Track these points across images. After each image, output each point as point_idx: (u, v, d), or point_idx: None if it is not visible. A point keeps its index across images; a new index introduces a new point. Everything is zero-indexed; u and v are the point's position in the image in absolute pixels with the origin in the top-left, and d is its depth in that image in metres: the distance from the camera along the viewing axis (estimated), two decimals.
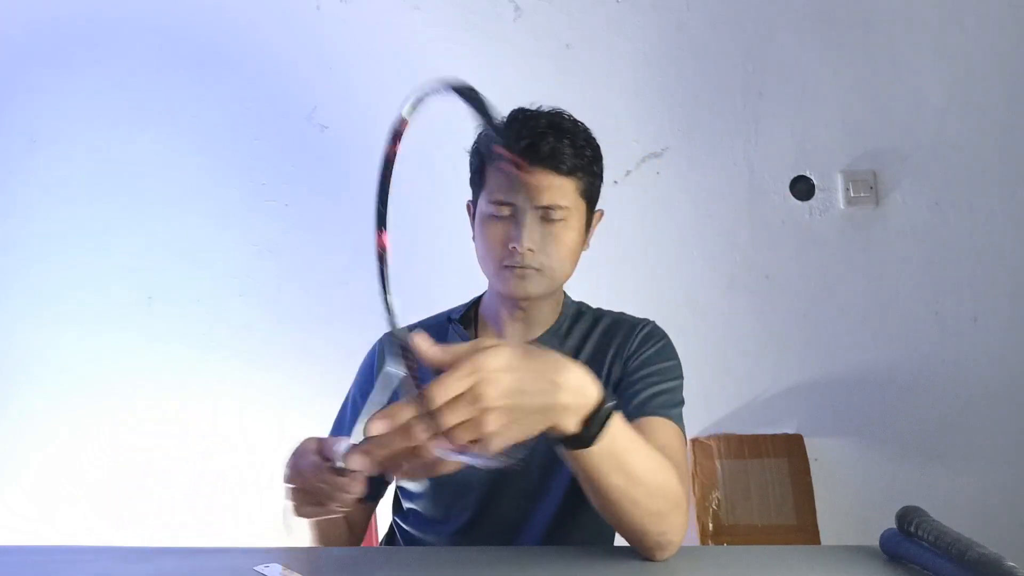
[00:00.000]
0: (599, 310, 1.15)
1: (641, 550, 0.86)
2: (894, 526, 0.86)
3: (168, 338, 2.07)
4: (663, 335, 1.09)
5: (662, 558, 0.86)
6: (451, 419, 0.58)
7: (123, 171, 2.11)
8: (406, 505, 1.08)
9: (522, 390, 0.61)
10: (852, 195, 2.11)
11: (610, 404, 0.67)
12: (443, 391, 0.58)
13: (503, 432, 0.60)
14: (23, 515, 2.01)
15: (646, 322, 1.11)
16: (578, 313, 1.13)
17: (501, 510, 1.02)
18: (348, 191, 2.11)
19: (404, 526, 1.08)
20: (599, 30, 2.15)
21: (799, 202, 2.13)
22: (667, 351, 1.08)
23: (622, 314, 1.13)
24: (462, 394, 0.58)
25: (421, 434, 0.58)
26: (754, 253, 2.11)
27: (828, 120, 2.13)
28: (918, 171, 2.12)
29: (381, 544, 1.15)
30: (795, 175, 2.14)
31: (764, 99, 2.14)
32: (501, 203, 1.01)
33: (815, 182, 2.13)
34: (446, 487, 1.03)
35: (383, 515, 1.17)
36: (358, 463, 0.61)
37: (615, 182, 2.13)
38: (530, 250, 0.99)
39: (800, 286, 2.10)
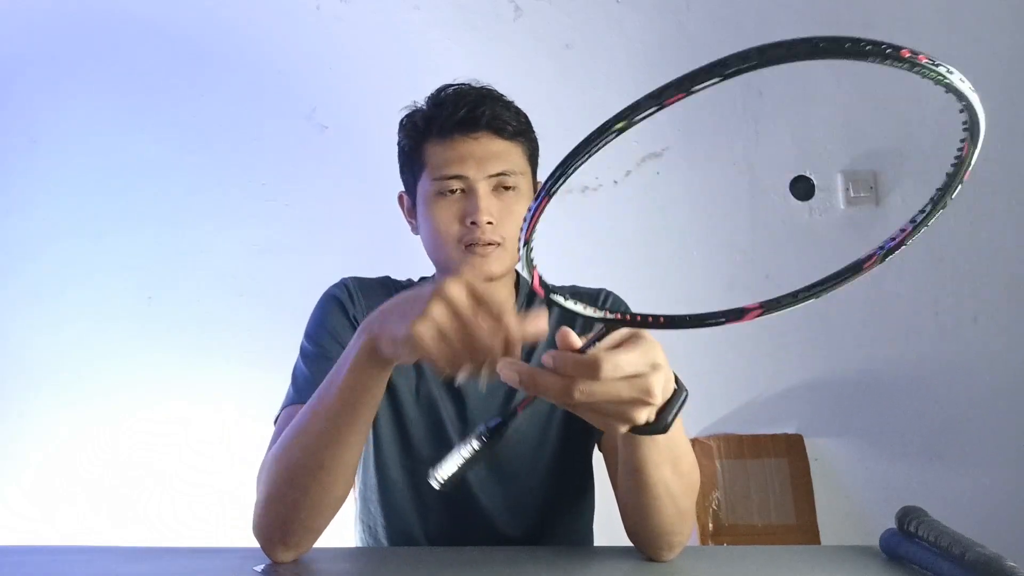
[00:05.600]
0: (551, 286, 1.11)
1: (652, 550, 0.85)
2: (894, 526, 0.86)
3: (168, 338, 2.07)
4: (624, 305, 1.08)
5: (668, 559, 0.85)
6: (610, 395, 0.56)
7: (123, 171, 2.11)
8: (383, 491, 1.03)
9: (668, 386, 0.60)
10: (852, 195, 2.11)
11: (686, 390, 0.65)
12: (616, 368, 0.55)
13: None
14: (23, 515, 2.01)
15: (607, 293, 1.08)
16: (532, 291, 1.08)
17: (482, 503, 1.01)
18: (348, 191, 2.11)
19: (380, 512, 1.04)
20: (599, 30, 2.15)
21: (799, 202, 2.13)
22: None
23: (575, 287, 1.11)
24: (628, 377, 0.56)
25: (558, 391, 0.56)
26: (754, 253, 2.11)
27: (828, 120, 2.13)
28: (918, 171, 2.12)
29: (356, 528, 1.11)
30: (795, 175, 2.14)
31: (764, 99, 2.14)
32: (450, 178, 0.95)
33: (815, 182, 2.13)
34: (424, 477, 1.01)
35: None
36: (507, 372, 0.58)
37: (615, 182, 2.13)
38: (489, 223, 0.94)
39: (800, 286, 2.10)
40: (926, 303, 2.09)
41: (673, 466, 0.75)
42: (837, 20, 2.15)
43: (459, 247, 0.95)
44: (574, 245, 2.06)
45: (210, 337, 2.07)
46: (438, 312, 0.61)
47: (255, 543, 0.83)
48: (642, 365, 0.57)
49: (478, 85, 1.00)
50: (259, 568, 0.81)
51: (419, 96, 1.03)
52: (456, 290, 0.61)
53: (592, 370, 0.55)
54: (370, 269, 1.12)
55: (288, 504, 0.78)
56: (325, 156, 2.12)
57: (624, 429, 0.60)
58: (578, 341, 0.58)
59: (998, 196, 2.11)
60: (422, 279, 1.10)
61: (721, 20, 2.16)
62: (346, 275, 1.09)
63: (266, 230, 2.11)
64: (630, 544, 0.89)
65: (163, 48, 2.14)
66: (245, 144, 2.12)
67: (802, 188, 2.13)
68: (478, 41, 2.14)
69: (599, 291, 1.09)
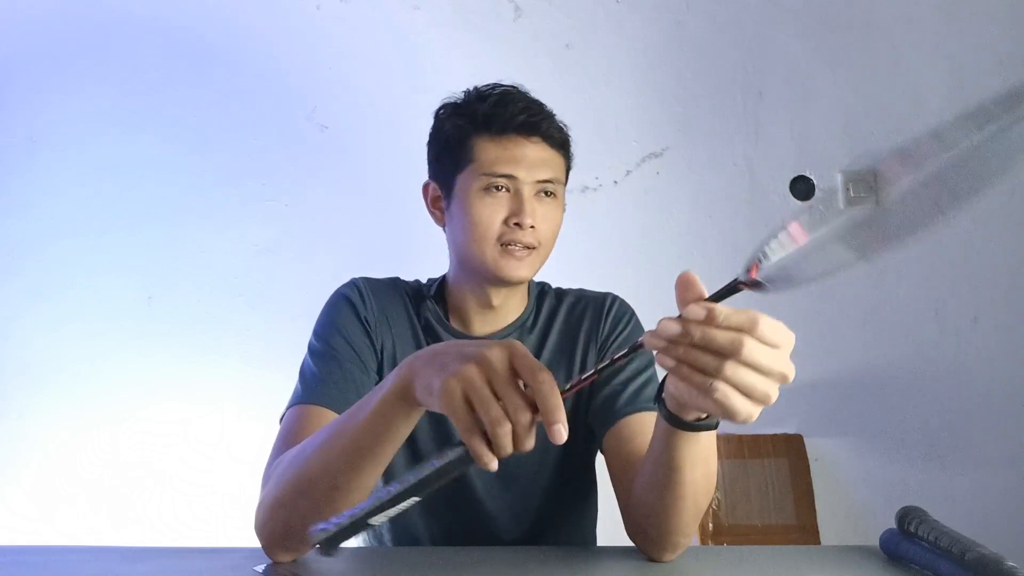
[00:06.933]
0: (559, 289, 1.12)
1: (656, 550, 0.85)
2: (894, 526, 0.86)
3: (168, 338, 2.07)
4: (630, 311, 1.08)
5: (670, 559, 0.85)
6: (771, 362, 0.55)
7: (123, 171, 2.11)
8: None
9: None
10: (852, 195, 2.11)
11: None
12: (778, 331, 0.55)
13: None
14: (23, 515, 2.01)
15: (613, 298, 1.09)
16: (541, 294, 1.10)
17: (488, 508, 1.01)
18: (348, 191, 2.11)
19: (384, 523, 1.03)
20: (599, 30, 2.15)
21: (799, 202, 2.13)
22: (638, 330, 1.07)
23: (582, 291, 1.11)
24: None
25: (727, 347, 0.54)
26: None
27: (828, 120, 2.13)
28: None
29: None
30: (795, 175, 2.14)
31: (764, 99, 2.14)
32: (500, 176, 0.96)
33: (815, 182, 2.13)
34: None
35: None
36: (664, 334, 0.55)
37: (615, 182, 2.13)
38: (532, 227, 0.96)
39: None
40: (926, 303, 2.09)
41: (705, 467, 0.75)
42: (837, 20, 2.14)
43: (496, 245, 0.96)
44: (574, 245, 2.06)
45: (210, 337, 2.07)
46: (473, 374, 0.59)
47: (255, 543, 0.83)
48: (781, 347, 0.56)
49: (522, 90, 1.02)
50: (259, 568, 0.81)
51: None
52: (498, 356, 0.59)
53: (758, 328, 0.54)
54: (370, 269, 1.12)
55: (295, 512, 0.78)
56: (325, 156, 2.12)
57: (755, 413, 0.57)
58: (704, 291, 0.56)
59: (998, 196, 2.11)
60: (430, 280, 1.10)
61: (721, 20, 2.16)
62: (345, 275, 1.09)
63: (266, 230, 2.11)
64: (631, 544, 0.89)
65: (163, 48, 2.14)
66: (245, 144, 2.12)
67: (802, 188, 2.13)
68: (478, 41, 2.13)
69: (606, 295, 1.09)
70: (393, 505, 0.58)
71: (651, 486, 0.79)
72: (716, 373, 0.55)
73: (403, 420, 0.70)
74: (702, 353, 0.56)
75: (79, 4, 2.15)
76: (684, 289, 0.57)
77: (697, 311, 0.55)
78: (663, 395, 0.67)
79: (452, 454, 0.59)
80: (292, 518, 0.78)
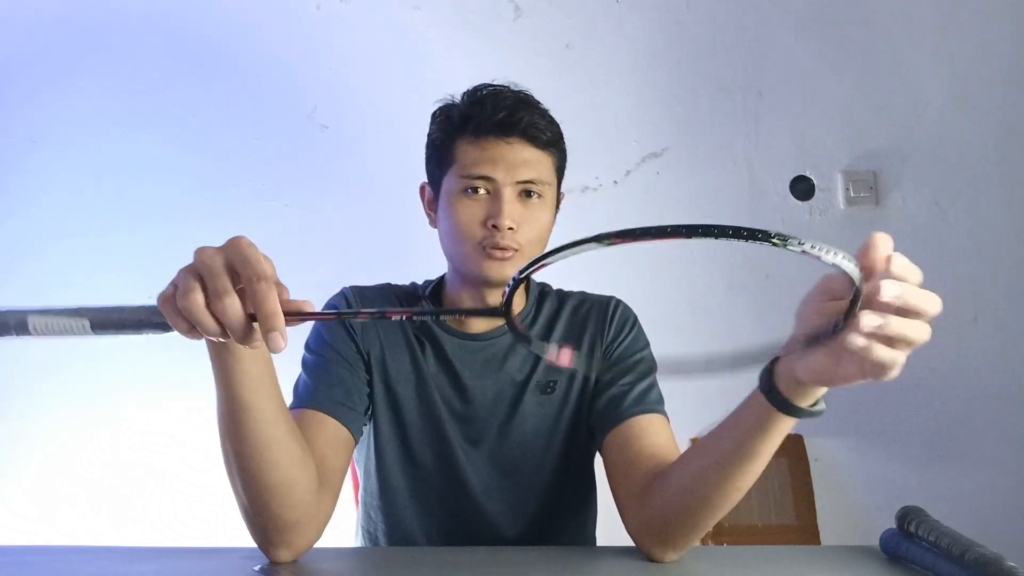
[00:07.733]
0: (560, 291, 1.12)
1: (664, 550, 0.85)
2: (894, 526, 0.86)
3: (168, 338, 2.06)
4: (633, 315, 1.09)
5: (671, 559, 0.85)
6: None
7: (123, 170, 2.11)
8: (384, 497, 1.03)
9: None
10: (852, 195, 2.11)
11: None
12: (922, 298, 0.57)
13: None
14: (23, 515, 2.01)
15: (617, 302, 1.09)
16: (542, 295, 1.10)
17: (486, 508, 1.01)
18: (348, 191, 2.11)
19: (381, 519, 1.04)
20: (599, 30, 2.15)
21: (799, 202, 2.13)
22: (641, 334, 1.07)
23: (584, 293, 1.11)
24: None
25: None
26: (754, 253, 2.11)
27: (828, 120, 2.13)
28: (918, 171, 2.12)
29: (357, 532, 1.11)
30: (795, 175, 2.14)
31: (764, 99, 2.14)
32: (478, 178, 0.95)
33: (815, 182, 2.13)
34: (430, 478, 1.01)
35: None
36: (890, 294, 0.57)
37: (615, 182, 2.13)
38: (511, 228, 0.94)
39: (800, 286, 2.09)
40: None
41: (768, 459, 0.77)
42: (837, 20, 2.15)
43: (478, 248, 0.95)
44: None
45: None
46: (181, 276, 0.61)
47: (254, 543, 0.84)
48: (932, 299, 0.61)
49: (515, 88, 1.01)
50: (258, 567, 0.81)
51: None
52: (209, 254, 0.62)
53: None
54: (370, 269, 1.12)
55: (241, 495, 0.81)
56: (325, 156, 2.12)
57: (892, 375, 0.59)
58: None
59: (998, 196, 2.11)
60: (427, 281, 1.10)
61: (721, 20, 2.16)
62: (345, 275, 1.09)
63: (266, 230, 2.10)
64: (630, 544, 0.89)
65: (163, 48, 2.14)
66: (245, 144, 2.12)
67: (802, 188, 2.13)
68: (478, 41, 2.14)
69: (609, 299, 1.09)
70: (61, 328, 0.60)
71: (699, 482, 0.81)
72: (918, 338, 0.57)
73: (220, 359, 0.73)
74: (904, 321, 0.58)
75: (79, 4, 2.15)
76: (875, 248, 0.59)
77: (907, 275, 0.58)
78: (774, 380, 0.69)
79: (144, 308, 0.62)
80: (244, 504, 0.82)
